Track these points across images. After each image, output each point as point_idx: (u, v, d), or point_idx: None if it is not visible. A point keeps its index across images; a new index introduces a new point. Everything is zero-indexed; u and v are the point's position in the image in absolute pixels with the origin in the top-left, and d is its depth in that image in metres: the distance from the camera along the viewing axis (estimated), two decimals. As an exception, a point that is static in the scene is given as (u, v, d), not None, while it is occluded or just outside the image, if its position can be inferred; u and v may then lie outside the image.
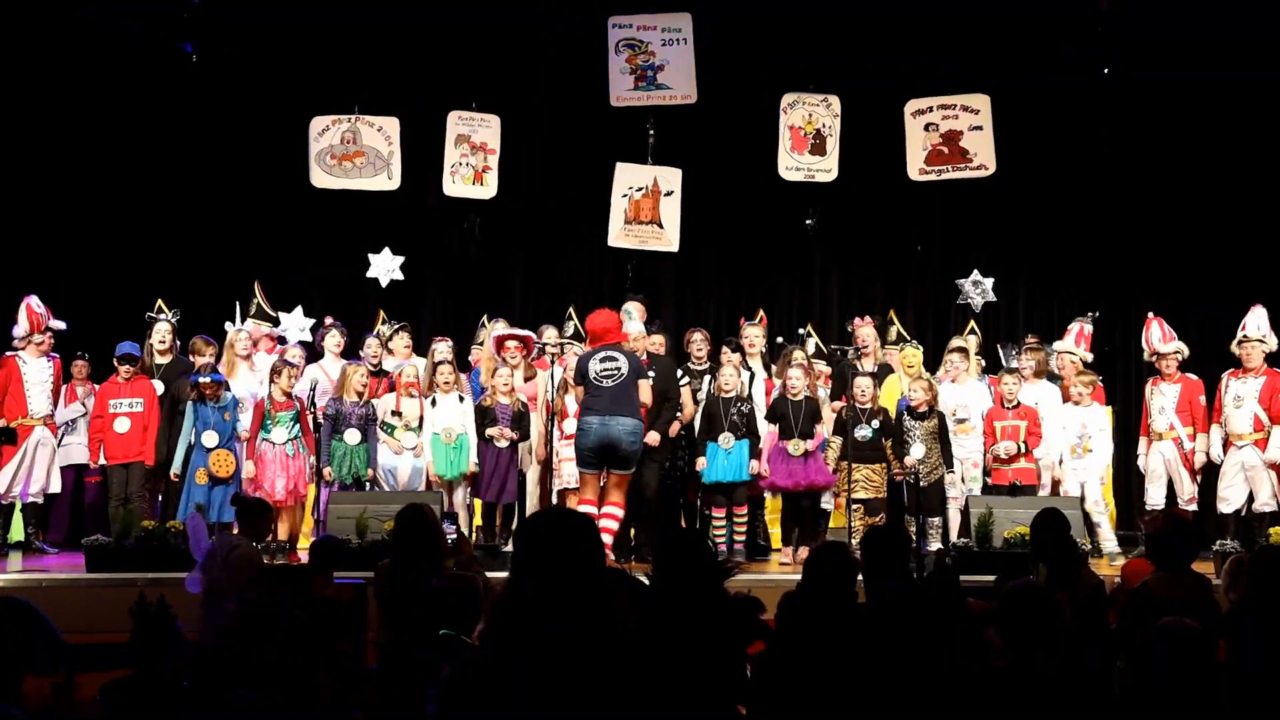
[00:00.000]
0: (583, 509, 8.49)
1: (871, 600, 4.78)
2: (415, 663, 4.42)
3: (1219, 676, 4.26)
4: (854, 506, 9.32)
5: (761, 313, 11.31)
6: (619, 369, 8.65)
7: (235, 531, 7.54)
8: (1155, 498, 9.95)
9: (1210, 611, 5.08)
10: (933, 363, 11.17)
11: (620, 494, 8.76)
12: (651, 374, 8.97)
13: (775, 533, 10.20)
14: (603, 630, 2.88)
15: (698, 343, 10.13)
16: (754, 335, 10.31)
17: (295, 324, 11.15)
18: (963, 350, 10.34)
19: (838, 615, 4.13)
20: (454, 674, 3.81)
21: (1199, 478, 10.02)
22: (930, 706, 3.94)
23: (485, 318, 11.11)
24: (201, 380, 9.35)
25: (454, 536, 7.60)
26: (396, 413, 9.62)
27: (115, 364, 9.81)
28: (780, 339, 10.90)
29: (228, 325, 10.63)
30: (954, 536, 9.34)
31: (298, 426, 9.43)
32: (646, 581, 4.43)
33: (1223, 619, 5.46)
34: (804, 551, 9.33)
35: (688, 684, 3.69)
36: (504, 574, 7.67)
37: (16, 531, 10.11)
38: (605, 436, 8.56)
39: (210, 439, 9.27)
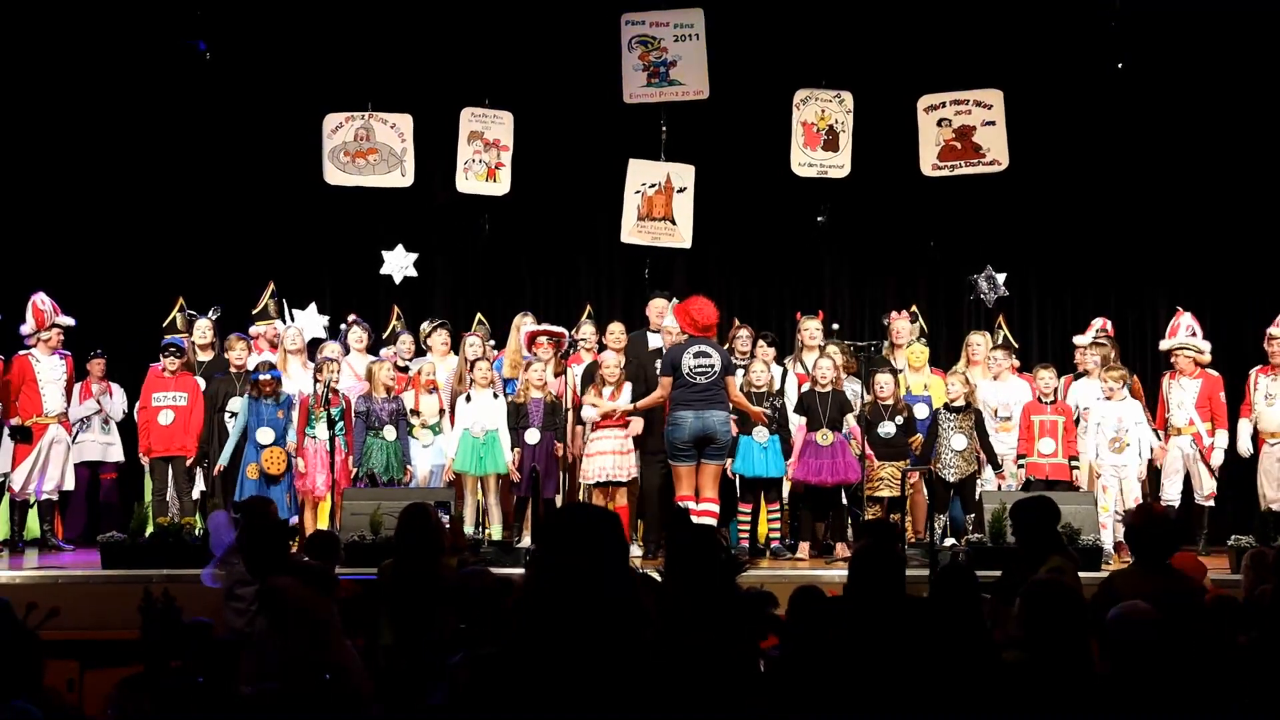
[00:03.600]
0: (683, 503, 8.68)
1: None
2: (422, 661, 4.44)
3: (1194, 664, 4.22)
4: (872, 506, 9.30)
5: (820, 311, 11.21)
6: (713, 365, 8.80)
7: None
8: (1171, 493, 9.92)
9: (1187, 606, 5.03)
10: (947, 359, 11.17)
11: (714, 487, 8.90)
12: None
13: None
14: (626, 626, 2.88)
15: (743, 339, 10.12)
16: (813, 328, 10.26)
17: (309, 321, 11.16)
18: (1006, 348, 10.32)
19: (881, 612, 4.12)
20: (469, 668, 3.82)
21: (1216, 474, 10.01)
22: (943, 702, 3.93)
23: (480, 315, 11.13)
24: (261, 378, 9.40)
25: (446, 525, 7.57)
26: (415, 411, 9.64)
27: (160, 356, 9.85)
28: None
29: (260, 325, 10.62)
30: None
31: (342, 423, 9.44)
32: (659, 578, 4.43)
33: (1238, 609, 5.44)
34: (841, 547, 9.35)
35: (700, 680, 3.69)
36: (516, 570, 7.72)
37: (32, 529, 10.16)
38: (701, 430, 8.74)
39: (266, 436, 9.29)
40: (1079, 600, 4.34)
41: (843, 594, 4.70)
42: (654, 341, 10.00)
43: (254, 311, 10.77)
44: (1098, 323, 10.75)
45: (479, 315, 11.18)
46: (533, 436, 9.30)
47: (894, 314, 10.63)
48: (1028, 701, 3.98)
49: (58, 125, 11.58)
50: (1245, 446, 10.00)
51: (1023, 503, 5.88)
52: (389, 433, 9.41)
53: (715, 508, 8.88)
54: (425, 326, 10.61)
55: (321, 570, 5.78)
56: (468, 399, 9.46)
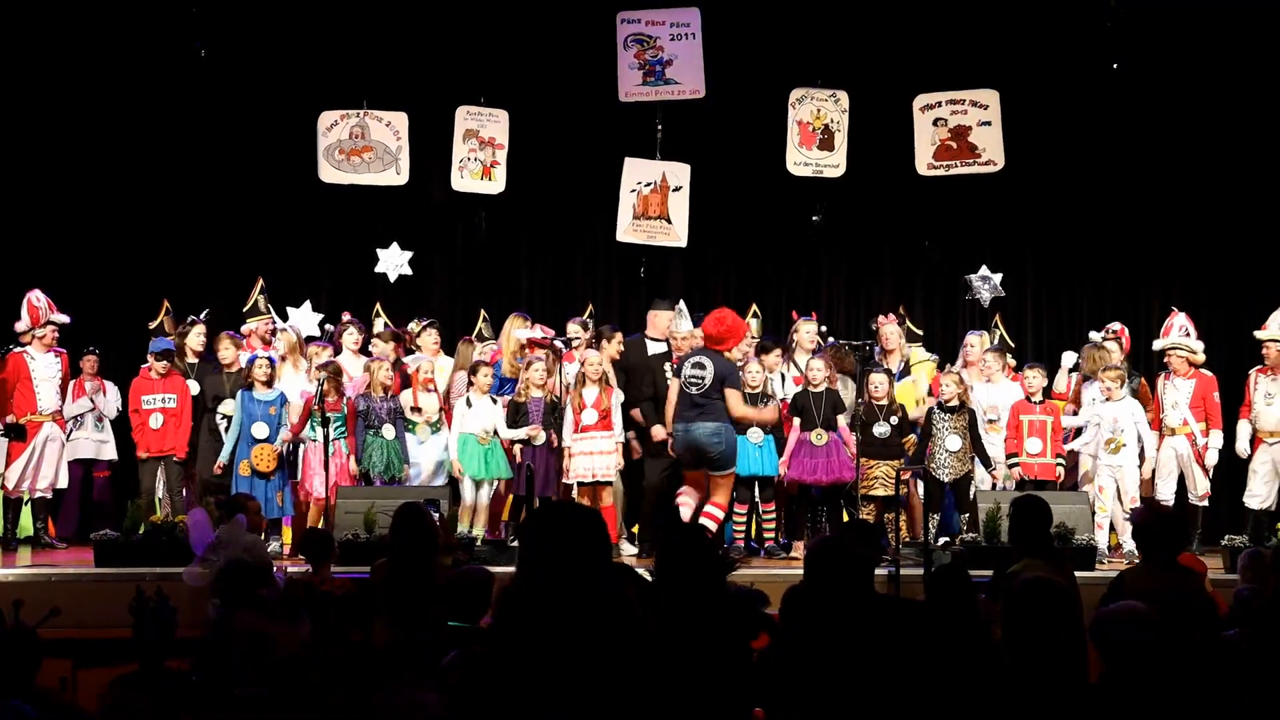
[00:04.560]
0: (682, 498, 8.77)
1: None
2: (416, 660, 4.43)
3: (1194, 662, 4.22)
4: (866, 505, 9.30)
5: (813, 313, 11.18)
6: (704, 378, 8.73)
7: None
8: (1165, 493, 9.91)
9: (1195, 605, 5.04)
10: (943, 358, 11.17)
11: (723, 494, 8.86)
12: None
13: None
14: (607, 624, 2.87)
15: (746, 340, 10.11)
16: (809, 330, 10.26)
17: (303, 319, 11.15)
18: (997, 350, 10.33)
19: (841, 610, 4.11)
20: (459, 666, 3.81)
21: (1210, 474, 10.03)
22: (939, 702, 3.93)
23: (484, 312, 11.11)
24: (259, 357, 9.38)
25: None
26: (416, 408, 9.63)
27: (151, 359, 9.84)
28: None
29: (252, 322, 10.60)
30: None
31: (343, 426, 9.42)
32: (649, 577, 4.43)
33: (1231, 610, 5.45)
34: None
35: (692, 679, 3.69)
36: (509, 568, 7.72)
37: (25, 527, 10.15)
38: (689, 442, 8.72)
39: (260, 430, 9.29)
40: (1059, 601, 4.32)
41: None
42: (652, 348, 9.95)
43: (245, 309, 10.74)
44: (1114, 327, 10.71)
45: (483, 313, 11.16)
46: (539, 440, 9.30)
47: (881, 318, 10.63)
48: (1013, 703, 3.98)
49: (52, 123, 11.56)
50: (1243, 447, 9.99)
51: (1016, 502, 5.90)
52: (388, 431, 9.40)
53: (719, 513, 8.83)
54: (413, 326, 10.58)
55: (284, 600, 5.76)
56: (468, 403, 9.44)
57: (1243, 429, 10.02)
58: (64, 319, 10.15)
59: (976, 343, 10.40)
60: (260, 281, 10.75)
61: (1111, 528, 9.57)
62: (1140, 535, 5.57)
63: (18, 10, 11.17)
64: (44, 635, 4.31)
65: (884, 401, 9.43)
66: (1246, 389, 10.04)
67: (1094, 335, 10.56)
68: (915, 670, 3.98)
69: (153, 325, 10.72)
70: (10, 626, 4.06)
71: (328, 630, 5.86)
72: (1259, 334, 9.98)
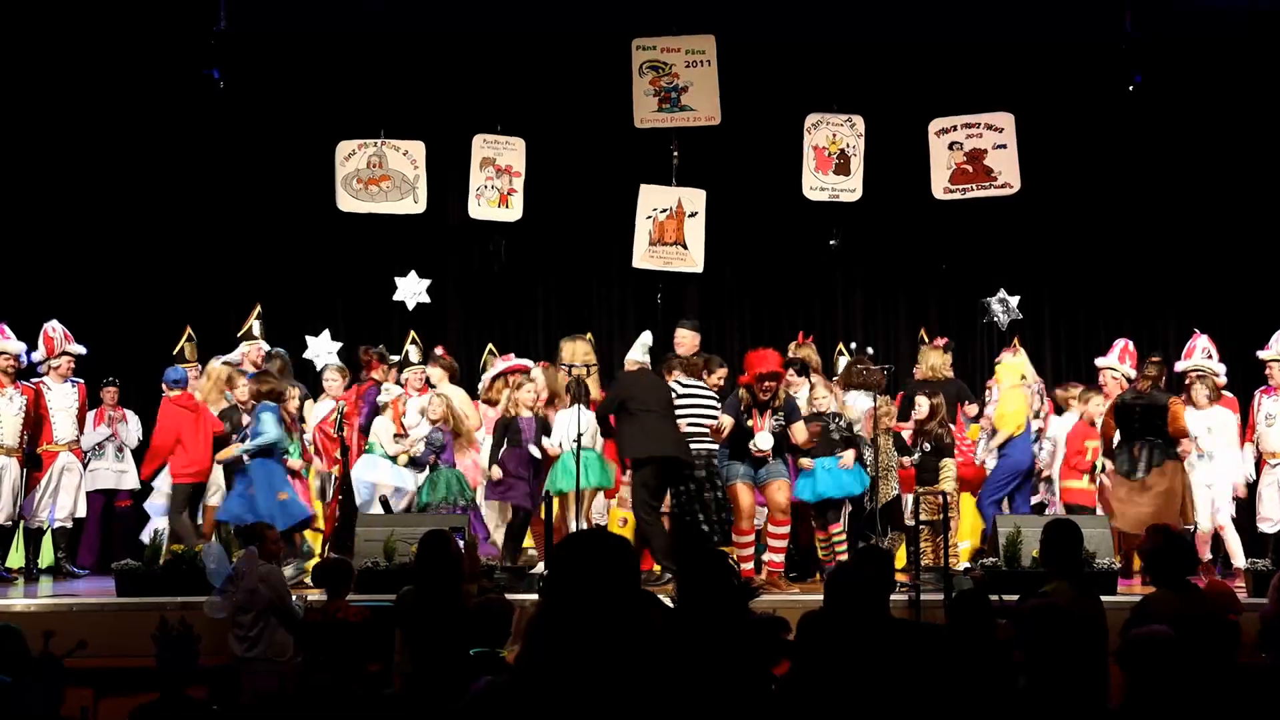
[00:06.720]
0: None
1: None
2: (440, 687, 4.44)
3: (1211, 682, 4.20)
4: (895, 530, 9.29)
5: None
6: None
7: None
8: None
9: (1211, 626, 5.01)
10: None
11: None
12: None
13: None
14: (635, 652, 2.88)
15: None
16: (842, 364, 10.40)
17: (323, 348, 11.19)
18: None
19: (855, 634, 4.11)
20: (486, 692, 3.81)
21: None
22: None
23: (491, 345, 11.12)
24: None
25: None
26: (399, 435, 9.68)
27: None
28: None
29: (245, 346, 10.61)
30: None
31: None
32: (671, 604, 4.43)
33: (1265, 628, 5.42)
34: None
35: (714, 705, 3.68)
36: (529, 595, 7.71)
37: (46, 556, 10.18)
38: None
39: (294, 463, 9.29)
40: (1067, 627, 4.30)
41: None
42: None
43: (239, 334, 10.72)
44: (1120, 343, 10.65)
45: (490, 346, 11.18)
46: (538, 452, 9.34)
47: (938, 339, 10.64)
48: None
49: (71, 153, 11.64)
50: (1249, 471, 9.90)
51: (1049, 525, 5.89)
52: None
53: (774, 528, 8.98)
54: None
55: None
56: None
57: (1247, 452, 9.94)
58: (80, 349, 10.18)
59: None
60: (258, 307, 10.75)
61: None
62: (1151, 560, 5.54)
63: (38, 42, 11.27)
64: (67, 664, 4.33)
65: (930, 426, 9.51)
66: (1251, 411, 9.98)
67: (1100, 362, 10.51)
68: (934, 694, 3.97)
69: (175, 352, 10.73)
70: (39, 655, 4.08)
71: (343, 658, 5.88)
72: (1261, 354, 9.93)
